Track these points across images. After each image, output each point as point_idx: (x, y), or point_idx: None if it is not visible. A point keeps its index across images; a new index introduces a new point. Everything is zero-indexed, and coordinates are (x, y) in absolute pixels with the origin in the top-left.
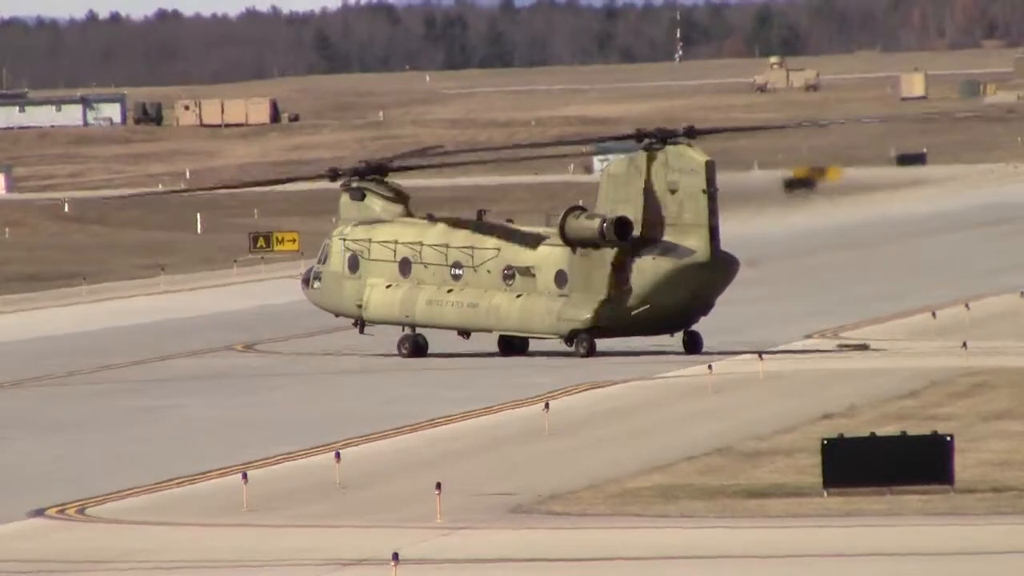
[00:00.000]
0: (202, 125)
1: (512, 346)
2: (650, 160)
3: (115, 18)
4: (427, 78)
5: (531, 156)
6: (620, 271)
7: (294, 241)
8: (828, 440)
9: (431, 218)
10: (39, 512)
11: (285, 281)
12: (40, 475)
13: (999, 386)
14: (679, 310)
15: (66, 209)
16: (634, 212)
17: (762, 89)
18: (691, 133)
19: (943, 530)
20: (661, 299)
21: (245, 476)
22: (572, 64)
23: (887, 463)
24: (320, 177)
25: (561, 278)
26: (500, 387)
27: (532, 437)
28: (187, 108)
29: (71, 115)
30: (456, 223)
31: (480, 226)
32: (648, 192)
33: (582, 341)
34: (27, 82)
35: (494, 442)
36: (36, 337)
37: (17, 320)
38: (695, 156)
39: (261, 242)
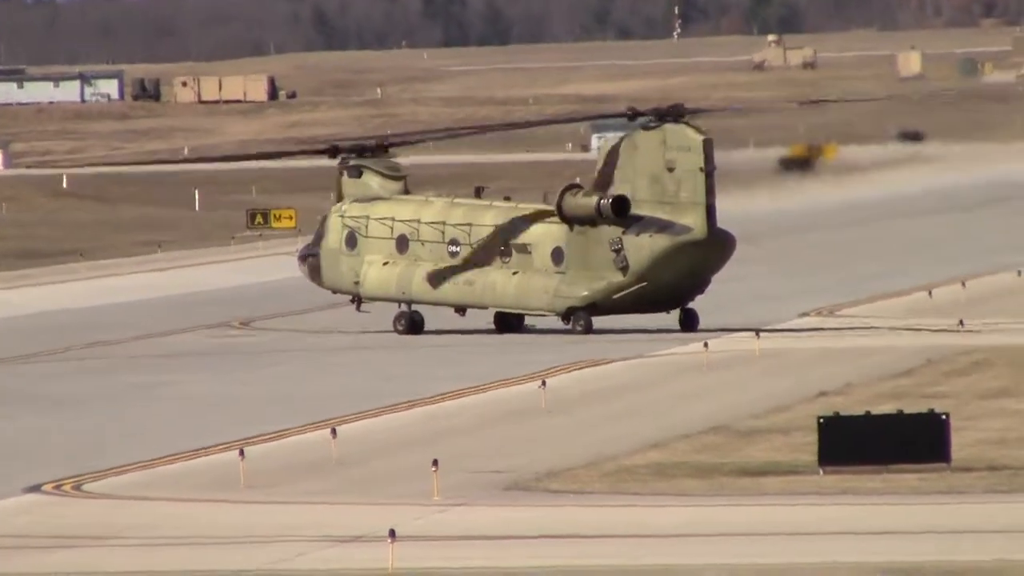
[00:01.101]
0: (200, 102)
1: (508, 323)
2: (648, 138)
3: None
4: (425, 55)
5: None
6: (618, 250)
7: (291, 218)
8: (824, 418)
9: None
10: (36, 488)
11: (283, 258)
12: (36, 451)
13: (996, 364)
14: (676, 288)
15: (64, 185)
16: (632, 190)
17: (759, 67)
18: (679, 111)
19: (939, 508)
20: (658, 276)
21: (242, 452)
22: (570, 41)
23: (883, 441)
24: (320, 153)
25: (558, 255)
26: (497, 364)
27: (529, 414)
28: (185, 85)
29: (69, 91)
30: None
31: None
32: (648, 170)
33: (579, 319)
34: (25, 58)
35: (491, 419)
36: (33, 313)
37: (14, 296)
38: (692, 134)
39: (259, 219)
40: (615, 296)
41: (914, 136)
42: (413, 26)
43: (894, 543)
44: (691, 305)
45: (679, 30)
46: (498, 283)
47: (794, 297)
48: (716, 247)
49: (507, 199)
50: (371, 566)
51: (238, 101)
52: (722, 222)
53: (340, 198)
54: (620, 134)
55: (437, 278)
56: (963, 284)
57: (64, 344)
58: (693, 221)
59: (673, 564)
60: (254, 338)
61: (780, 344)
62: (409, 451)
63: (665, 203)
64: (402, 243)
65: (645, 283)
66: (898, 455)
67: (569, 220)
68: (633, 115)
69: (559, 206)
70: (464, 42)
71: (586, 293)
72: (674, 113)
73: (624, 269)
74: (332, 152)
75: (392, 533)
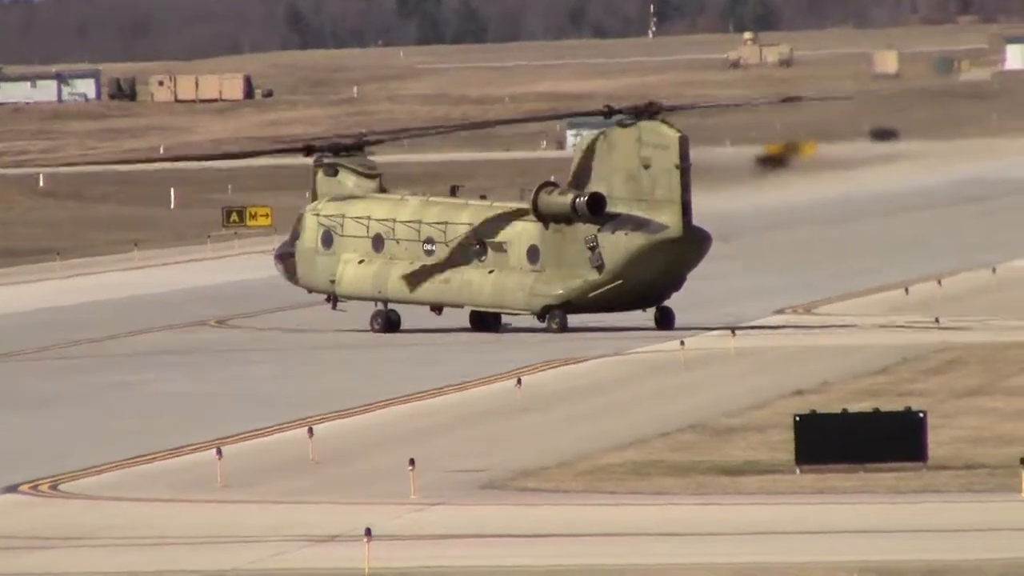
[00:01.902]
0: (176, 101)
1: (484, 322)
2: (624, 136)
3: None
4: (400, 54)
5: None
6: (594, 247)
7: (267, 216)
8: (801, 416)
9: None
10: (12, 488)
11: (258, 256)
12: (13, 451)
13: (972, 362)
14: (651, 285)
15: (41, 184)
16: (607, 188)
17: (735, 65)
18: (655, 109)
19: (916, 507)
20: (634, 274)
21: (219, 452)
22: (545, 40)
23: (860, 440)
24: (296, 151)
25: (534, 254)
26: (472, 363)
27: (505, 413)
28: (161, 84)
29: (46, 91)
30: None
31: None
32: (623, 168)
33: (555, 317)
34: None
35: (467, 418)
36: (9, 313)
37: None
38: (668, 132)
39: (234, 217)
40: (591, 294)
41: (888, 134)
42: (388, 24)
43: (871, 542)
44: (667, 303)
45: (654, 28)
46: (474, 281)
47: (770, 294)
48: (692, 245)
49: (483, 197)
50: (348, 566)
51: (214, 100)
52: (698, 219)
53: (315, 197)
54: (596, 131)
55: (413, 277)
56: (939, 282)
57: (40, 343)
58: (669, 219)
59: (649, 563)
60: (230, 337)
61: (756, 342)
62: (385, 450)
63: (641, 200)
64: (378, 242)
65: (621, 281)
66: (875, 454)
67: (545, 218)
68: (609, 112)
69: (535, 204)
70: (439, 40)
71: (562, 291)
72: (650, 111)
73: (600, 267)
74: (308, 151)
75: (368, 532)
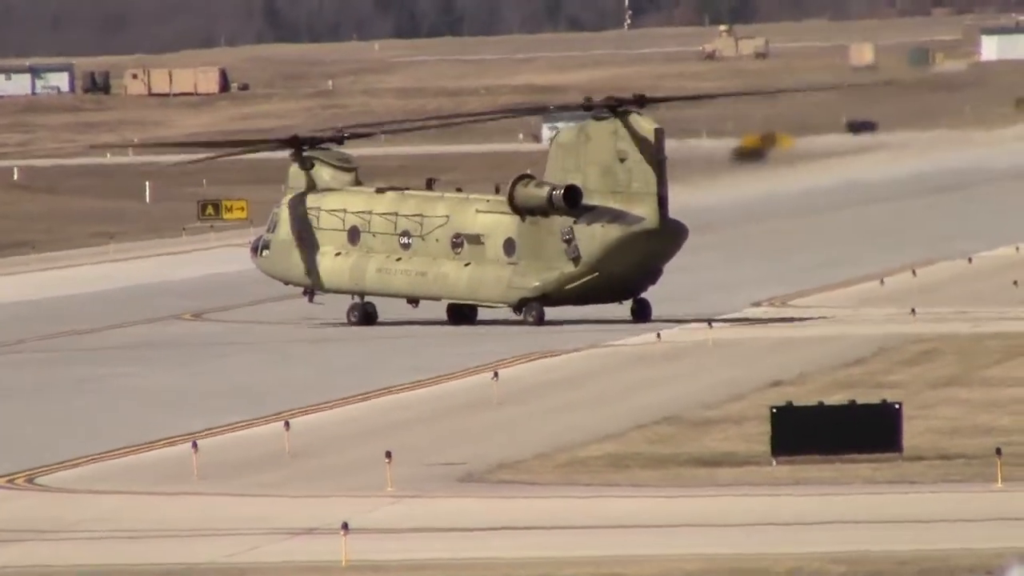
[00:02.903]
0: (151, 94)
1: (462, 315)
2: (600, 129)
3: None
4: (376, 47)
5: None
6: (570, 240)
7: (243, 209)
8: (777, 408)
9: (380, 190)
10: None
11: (234, 249)
12: None
13: (947, 353)
14: (628, 278)
15: (15, 177)
16: (583, 181)
17: (711, 57)
18: (641, 101)
19: (892, 498)
20: (610, 267)
21: (195, 445)
22: (521, 33)
23: (836, 431)
24: (283, 141)
25: (510, 246)
26: (449, 356)
27: (482, 406)
28: (135, 77)
29: (20, 84)
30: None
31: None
32: (599, 160)
33: (531, 309)
34: None
35: (444, 411)
36: None
37: None
38: (644, 124)
39: (210, 210)
40: (567, 287)
41: (865, 126)
42: (364, 18)
43: (847, 532)
44: (643, 295)
45: (630, 21)
46: (450, 274)
47: (746, 286)
48: (668, 237)
49: (458, 190)
50: (325, 559)
51: (189, 94)
52: (675, 212)
53: (291, 189)
54: (571, 124)
55: (389, 269)
56: (914, 272)
57: (16, 336)
58: (645, 211)
59: (626, 555)
60: (205, 330)
61: (733, 334)
62: (362, 443)
63: (617, 193)
64: (354, 234)
65: (597, 273)
66: (851, 445)
67: (521, 211)
68: (588, 105)
69: (511, 197)
70: (415, 33)
71: (538, 284)
72: (632, 103)
73: (576, 259)
74: (293, 143)
75: (345, 526)
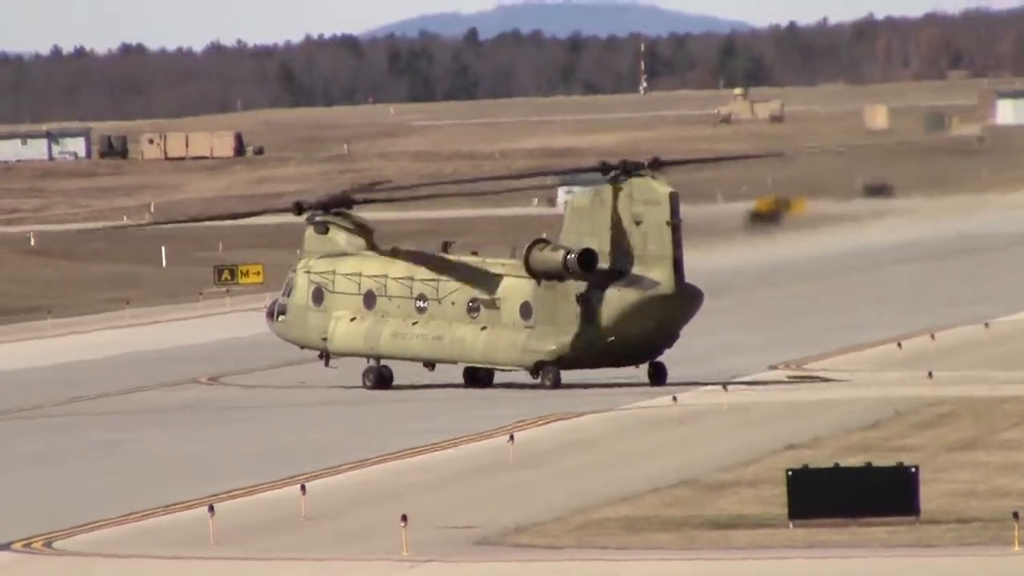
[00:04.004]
0: (167, 158)
1: (477, 378)
2: (615, 192)
3: (80, 53)
4: (391, 111)
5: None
6: (586, 303)
7: (259, 274)
8: (793, 471)
9: (395, 252)
10: (6, 546)
11: (250, 314)
12: (6, 509)
13: (964, 416)
14: (644, 341)
15: (32, 243)
16: (599, 244)
17: (726, 120)
18: (656, 164)
19: (909, 561)
20: (626, 331)
21: (212, 509)
22: (536, 96)
23: (852, 494)
24: (285, 210)
25: (526, 310)
26: (465, 419)
27: (497, 469)
28: (151, 142)
29: (36, 149)
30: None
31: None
32: (614, 224)
33: (548, 373)
34: None
35: (459, 474)
36: (1, 371)
37: None
38: (659, 188)
39: (226, 275)
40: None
41: (881, 190)
42: (380, 82)
43: None
44: (660, 358)
45: (646, 84)
46: (467, 338)
47: (762, 349)
48: (684, 301)
49: (474, 254)
50: None
51: (205, 157)
52: (690, 276)
53: (307, 253)
54: (587, 188)
55: (405, 333)
56: (932, 336)
57: (32, 402)
58: (660, 275)
59: None
60: (222, 394)
61: (748, 397)
62: (378, 506)
63: (632, 257)
64: (369, 299)
65: (613, 337)
66: (867, 508)
67: (537, 275)
68: (604, 169)
69: (526, 261)
70: (431, 97)
71: (554, 347)
72: (647, 166)
73: (594, 325)
74: (297, 209)
75: None
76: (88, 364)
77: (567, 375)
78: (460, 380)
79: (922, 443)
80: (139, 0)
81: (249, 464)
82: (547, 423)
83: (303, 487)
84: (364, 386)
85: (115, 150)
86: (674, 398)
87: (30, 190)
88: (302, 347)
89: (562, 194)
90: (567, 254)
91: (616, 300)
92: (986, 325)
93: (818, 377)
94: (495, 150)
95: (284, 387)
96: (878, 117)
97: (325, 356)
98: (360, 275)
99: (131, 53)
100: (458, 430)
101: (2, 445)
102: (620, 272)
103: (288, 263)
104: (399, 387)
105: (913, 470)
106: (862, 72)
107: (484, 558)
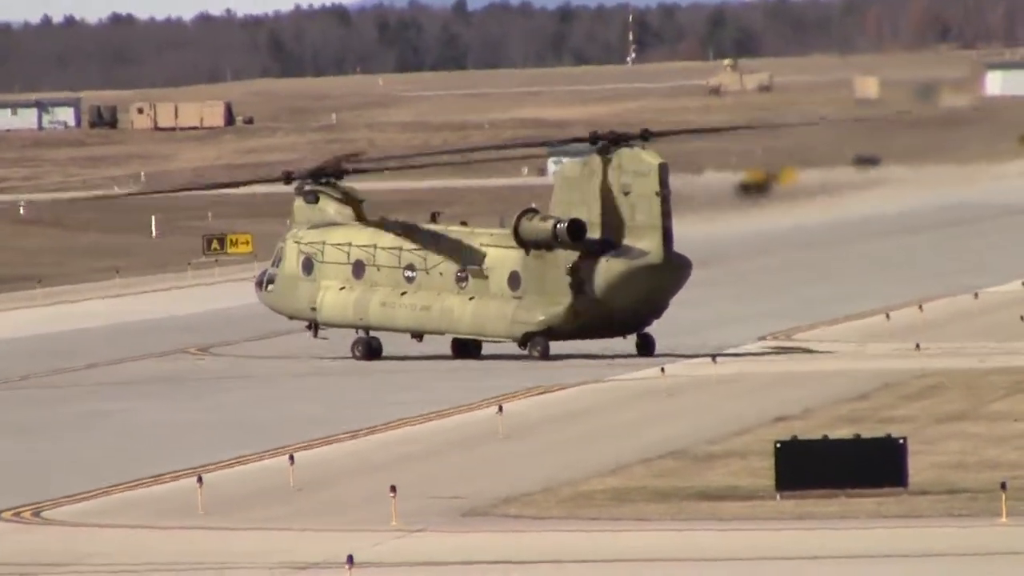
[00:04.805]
0: (156, 128)
1: (466, 349)
2: (604, 163)
3: (69, 22)
4: (380, 81)
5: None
6: (575, 273)
7: (248, 243)
8: (781, 443)
9: (383, 222)
10: None
11: (239, 284)
12: None
13: (952, 388)
14: (632, 312)
15: (22, 212)
16: (588, 214)
17: (715, 91)
18: (645, 135)
19: (897, 532)
20: (614, 301)
21: (200, 479)
22: (525, 66)
23: (841, 466)
24: (275, 180)
25: (515, 280)
26: (454, 390)
27: (486, 440)
28: (141, 111)
29: (26, 119)
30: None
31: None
32: (604, 195)
33: (536, 344)
34: None
35: (448, 445)
36: None
37: None
38: (648, 158)
39: (215, 245)
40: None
41: (870, 160)
42: (368, 52)
43: (852, 567)
44: (648, 330)
45: (634, 55)
46: (455, 309)
47: (751, 321)
48: (672, 271)
49: (463, 224)
50: None
51: (195, 128)
52: (679, 246)
53: (296, 224)
54: (576, 159)
55: (394, 304)
56: (920, 307)
57: (21, 371)
58: (649, 245)
59: None
60: (211, 364)
61: (737, 368)
62: (367, 477)
63: (621, 227)
64: (358, 268)
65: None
66: (856, 479)
67: (526, 244)
68: (593, 139)
69: (516, 230)
70: (419, 67)
71: (543, 318)
72: (636, 137)
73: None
74: (286, 179)
75: (350, 559)
76: (78, 334)
77: (555, 346)
78: (449, 352)
79: (911, 414)
80: None
81: (238, 435)
82: (536, 395)
83: (292, 457)
84: (354, 357)
85: (104, 120)
86: (662, 370)
87: (20, 160)
88: (291, 317)
89: (551, 164)
90: (556, 223)
91: (605, 270)
92: (975, 296)
93: (805, 349)
94: (484, 120)
95: (274, 357)
96: (868, 87)
97: (314, 326)
98: (349, 245)
99: (121, 22)
100: (447, 401)
101: None
102: (609, 242)
103: (277, 233)
104: (388, 358)
105: (901, 441)
106: (852, 43)
107: (473, 528)
